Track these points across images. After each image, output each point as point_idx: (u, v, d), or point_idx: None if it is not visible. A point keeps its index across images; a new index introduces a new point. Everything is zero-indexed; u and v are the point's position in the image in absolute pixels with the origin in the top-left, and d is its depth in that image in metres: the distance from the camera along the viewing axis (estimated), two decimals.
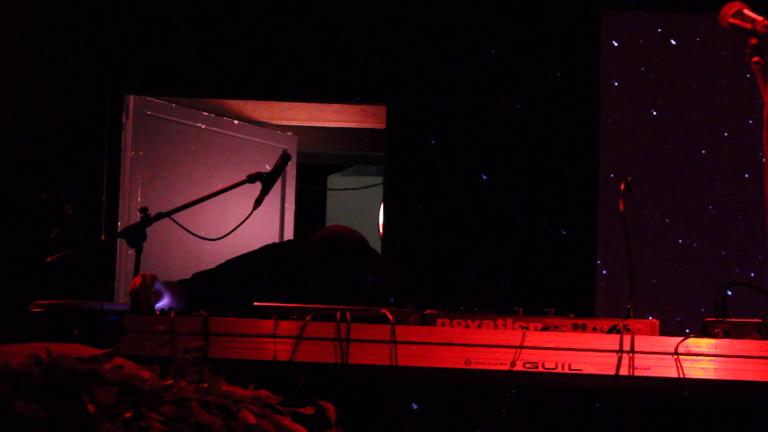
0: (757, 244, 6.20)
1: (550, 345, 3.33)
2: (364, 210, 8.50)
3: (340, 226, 3.96)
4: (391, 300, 3.97)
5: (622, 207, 3.71)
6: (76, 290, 5.08)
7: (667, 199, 6.34)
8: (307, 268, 3.81)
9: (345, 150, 7.96)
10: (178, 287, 3.85)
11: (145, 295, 3.54)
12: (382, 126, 6.51)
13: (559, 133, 6.38)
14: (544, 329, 3.37)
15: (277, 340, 3.30)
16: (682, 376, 3.31)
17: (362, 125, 7.17)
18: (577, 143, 6.39)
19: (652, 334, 3.36)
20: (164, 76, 6.42)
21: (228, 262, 4.01)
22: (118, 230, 6.11)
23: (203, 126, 6.76)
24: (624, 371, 3.31)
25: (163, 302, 3.67)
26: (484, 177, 6.39)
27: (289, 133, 7.15)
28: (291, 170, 7.06)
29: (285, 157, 4.03)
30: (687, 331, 3.63)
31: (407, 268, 6.12)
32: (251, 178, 3.90)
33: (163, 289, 3.66)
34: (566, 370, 3.32)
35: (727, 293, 3.50)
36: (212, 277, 3.95)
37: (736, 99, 6.31)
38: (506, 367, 3.30)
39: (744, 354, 3.32)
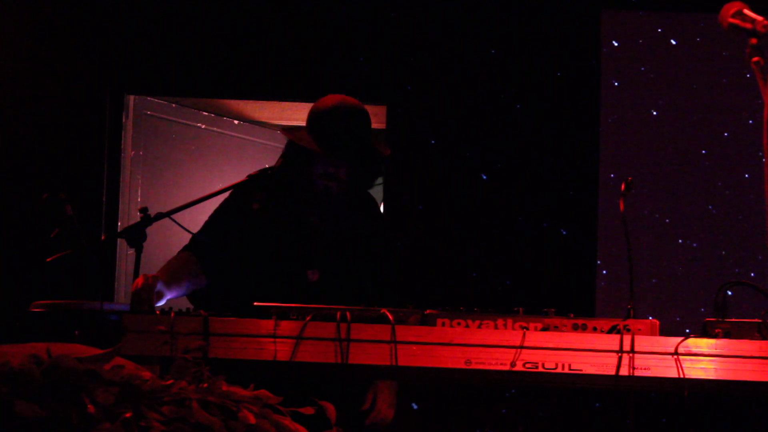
0: (757, 244, 6.21)
1: (550, 345, 3.32)
2: None
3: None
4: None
5: (622, 207, 3.71)
6: (76, 290, 5.08)
7: (667, 199, 6.34)
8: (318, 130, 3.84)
9: None
10: (182, 267, 3.85)
11: (147, 295, 3.54)
12: (382, 126, 6.51)
13: (559, 133, 6.38)
14: (544, 329, 3.37)
15: (277, 340, 3.30)
16: (682, 376, 3.30)
17: None
18: (577, 143, 6.39)
19: (652, 334, 3.36)
20: (164, 76, 6.43)
21: (215, 213, 4.01)
22: (118, 230, 6.11)
23: (203, 126, 6.76)
24: (624, 371, 3.31)
25: (164, 301, 3.67)
26: (484, 177, 6.39)
27: None
28: None
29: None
30: (687, 331, 3.63)
31: (407, 268, 6.12)
32: (251, 178, 3.89)
33: (165, 289, 3.66)
34: (566, 370, 3.32)
35: (727, 293, 3.49)
36: (212, 230, 3.96)
37: (736, 99, 6.31)
38: (506, 367, 3.30)
39: (744, 354, 3.31)
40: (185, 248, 3.94)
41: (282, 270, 3.87)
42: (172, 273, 3.80)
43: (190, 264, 3.87)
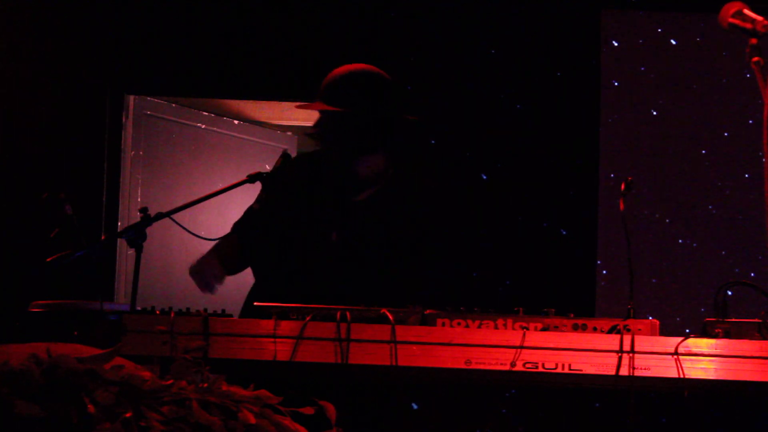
0: (757, 244, 6.20)
1: (550, 345, 3.32)
2: None
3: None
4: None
5: (622, 207, 3.71)
6: (76, 290, 5.08)
7: (667, 199, 6.34)
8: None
9: None
10: (229, 247, 3.90)
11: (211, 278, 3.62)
12: None
13: (559, 134, 6.38)
14: (544, 329, 3.37)
15: (277, 340, 3.30)
16: (682, 376, 3.30)
17: None
18: (577, 143, 6.39)
19: (652, 334, 3.36)
20: (164, 76, 6.43)
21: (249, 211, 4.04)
22: (118, 230, 6.11)
23: (203, 126, 6.76)
24: (624, 371, 3.31)
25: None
26: (484, 177, 6.39)
27: (289, 133, 7.15)
28: None
29: (285, 157, 4.03)
30: (687, 331, 3.62)
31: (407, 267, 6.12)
32: (251, 178, 3.89)
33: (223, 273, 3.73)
34: (566, 370, 3.32)
35: (727, 293, 3.49)
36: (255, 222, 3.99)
37: (736, 99, 6.31)
38: (506, 367, 3.30)
39: (744, 354, 3.32)
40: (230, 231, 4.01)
41: (306, 232, 3.89)
42: (224, 255, 3.86)
43: (234, 244, 3.93)
